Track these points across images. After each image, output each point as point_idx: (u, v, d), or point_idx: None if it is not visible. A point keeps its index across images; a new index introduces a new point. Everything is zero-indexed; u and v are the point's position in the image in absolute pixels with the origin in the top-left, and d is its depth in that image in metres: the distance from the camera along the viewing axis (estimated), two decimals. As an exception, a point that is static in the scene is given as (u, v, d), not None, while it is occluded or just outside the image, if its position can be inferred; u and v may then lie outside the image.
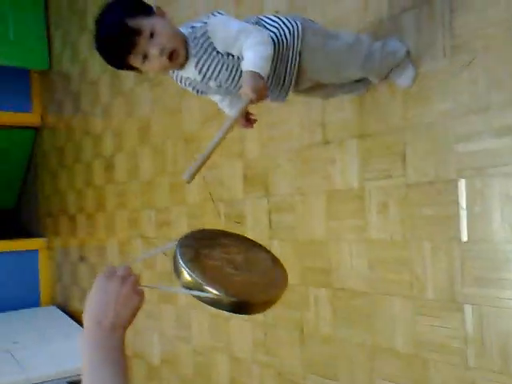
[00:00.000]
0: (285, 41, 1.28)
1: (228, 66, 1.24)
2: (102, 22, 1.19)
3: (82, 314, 0.85)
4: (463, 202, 1.42)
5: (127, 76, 3.12)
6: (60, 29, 4.17)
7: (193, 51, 1.22)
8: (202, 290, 0.84)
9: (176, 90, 2.65)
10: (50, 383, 2.94)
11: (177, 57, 1.21)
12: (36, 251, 4.52)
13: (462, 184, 1.42)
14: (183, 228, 2.64)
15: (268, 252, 1.09)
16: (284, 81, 1.35)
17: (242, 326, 2.26)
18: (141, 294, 0.87)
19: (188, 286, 0.86)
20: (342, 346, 1.79)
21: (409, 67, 1.52)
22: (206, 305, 0.86)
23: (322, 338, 1.86)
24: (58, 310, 4.20)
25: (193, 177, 1.07)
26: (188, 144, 2.58)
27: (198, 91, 1.35)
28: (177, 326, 2.74)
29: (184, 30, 1.23)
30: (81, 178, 3.87)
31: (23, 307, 4.25)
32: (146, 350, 3.03)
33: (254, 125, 1.35)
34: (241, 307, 0.87)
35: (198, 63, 1.23)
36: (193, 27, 1.22)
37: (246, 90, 1.14)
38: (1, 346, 3.32)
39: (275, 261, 1.06)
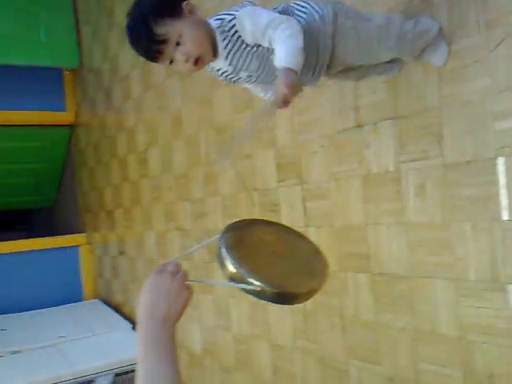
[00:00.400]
0: (315, 27, 1.27)
1: (258, 56, 1.24)
2: (130, 20, 1.20)
3: (136, 309, 0.90)
4: (503, 181, 1.39)
5: (157, 70, 3.15)
6: (89, 27, 4.23)
7: (222, 44, 1.22)
8: (246, 282, 0.86)
9: (206, 82, 2.66)
10: (97, 376, 3.01)
11: (202, 62, 1.22)
12: (77, 247, 4.63)
13: (501, 162, 1.38)
14: (218, 219, 2.66)
15: (309, 241, 1.09)
16: (316, 66, 1.33)
17: (282, 314, 2.27)
18: (189, 289, 0.91)
19: (232, 278, 0.88)
20: (383, 331, 1.78)
21: (442, 45, 1.48)
22: (246, 294, 0.88)
23: (363, 323, 1.86)
24: (102, 303, 4.30)
25: (226, 159, 1.08)
26: (220, 134, 2.59)
27: (230, 80, 1.35)
28: (216, 315, 2.77)
29: (213, 22, 1.23)
30: (117, 174, 3.94)
31: (67, 302, 4.36)
32: (188, 340, 3.08)
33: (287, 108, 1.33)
34: (284, 298, 0.89)
35: (227, 56, 1.24)
36: (221, 20, 1.21)
37: (281, 87, 1.12)
38: (47, 340, 3.42)
39: (316, 250, 1.06)
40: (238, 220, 1.05)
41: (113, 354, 3.20)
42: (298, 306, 2.16)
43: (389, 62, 1.58)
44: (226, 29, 1.20)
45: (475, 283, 1.48)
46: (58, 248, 4.55)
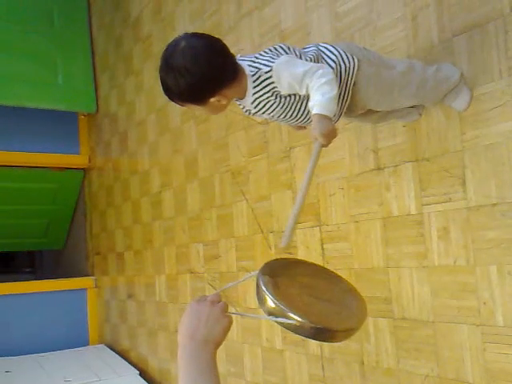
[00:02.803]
0: (340, 76, 1.30)
1: (284, 105, 1.28)
2: (161, 74, 1.21)
3: (177, 334, 0.92)
4: (529, 224, 1.38)
5: (174, 114, 3.20)
6: (106, 72, 4.34)
7: (252, 91, 1.25)
8: (286, 317, 0.86)
9: (222, 125, 2.70)
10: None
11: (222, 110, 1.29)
12: (84, 290, 4.58)
13: (528, 205, 1.38)
14: (232, 261, 2.65)
15: (345, 281, 1.09)
16: (339, 109, 1.36)
17: (298, 360, 2.21)
18: (229, 317, 0.93)
19: (271, 313, 0.88)
20: (406, 379, 1.73)
21: (464, 90, 1.50)
22: (283, 330, 0.87)
23: (384, 370, 1.81)
24: (107, 348, 4.22)
25: (289, 239, 1.11)
26: (235, 177, 2.61)
27: (249, 114, 1.38)
28: (229, 361, 2.71)
29: (246, 67, 1.24)
30: (128, 216, 3.94)
31: (72, 346, 4.27)
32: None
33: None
34: (322, 334, 0.89)
35: (255, 101, 1.28)
36: (257, 69, 1.22)
37: (317, 135, 1.16)
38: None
39: (353, 290, 1.06)
40: (275, 259, 1.07)
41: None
42: (314, 352, 2.11)
43: (411, 106, 1.60)
44: (262, 79, 1.23)
45: (503, 329, 1.44)
46: (65, 291, 4.51)
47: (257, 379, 2.49)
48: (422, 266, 1.66)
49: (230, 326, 0.92)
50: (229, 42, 1.38)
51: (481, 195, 1.49)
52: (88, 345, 4.47)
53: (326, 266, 2.04)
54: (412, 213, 1.68)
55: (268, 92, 1.25)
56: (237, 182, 2.60)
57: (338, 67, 1.30)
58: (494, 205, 1.45)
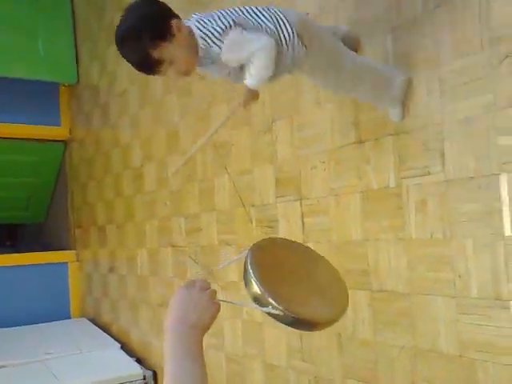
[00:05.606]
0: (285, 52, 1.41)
1: (230, 72, 1.45)
2: (124, 31, 1.31)
3: (164, 321, 0.92)
4: (505, 196, 1.39)
5: (156, 86, 3.15)
6: (88, 43, 4.25)
7: (203, 61, 1.40)
8: (269, 304, 0.89)
9: (205, 98, 2.66)
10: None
11: (189, 74, 1.42)
12: (66, 263, 4.56)
13: (504, 178, 1.39)
14: (213, 235, 2.64)
15: (331, 266, 1.13)
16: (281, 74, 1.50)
17: (277, 333, 2.23)
18: (217, 305, 0.94)
19: (256, 298, 0.91)
20: (382, 350, 1.75)
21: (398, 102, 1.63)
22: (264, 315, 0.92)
23: (361, 341, 1.83)
24: (89, 321, 4.22)
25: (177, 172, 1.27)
26: (217, 150, 2.58)
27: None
28: (209, 334, 2.71)
29: (199, 39, 1.34)
30: (110, 190, 3.91)
31: (54, 319, 4.27)
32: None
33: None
34: (304, 324, 0.92)
35: (206, 67, 1.45)
36: (208, 44, 1.34)
37: (240, 101, 1.43)
38: (35, 357, 3.33)
39: (338, 277, 1.10)
40: (264, 239, 1.09)
41: (100, 372, 3.12)
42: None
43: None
44: (212, 54, 1.36)
45: (477, 300, 1.46)
46: (46, 264, 4.48)
47: (236, 351, 2.52)
48: (399, 238, 1.67)
49: (217, 313, 0.94)
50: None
51: (458, 168, 1.49)
52: (70, 318, 4.47)
53: (305, 239, 2.04)
54: (391, 186, 1.68)
55: (218, 65, 1.40)
56: (219, 156, 2.58)
57: (286, 47, 1.40)
58: (471, 178, 1.45)
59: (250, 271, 0.92)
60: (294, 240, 1.19)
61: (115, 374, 3.12)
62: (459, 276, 1.50)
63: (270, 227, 2.24)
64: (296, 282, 1.00)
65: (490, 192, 1.42)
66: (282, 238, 1.20)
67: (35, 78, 4.15)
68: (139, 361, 3.37)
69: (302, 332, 2.08)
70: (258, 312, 2.33)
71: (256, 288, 0.90)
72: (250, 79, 1.38)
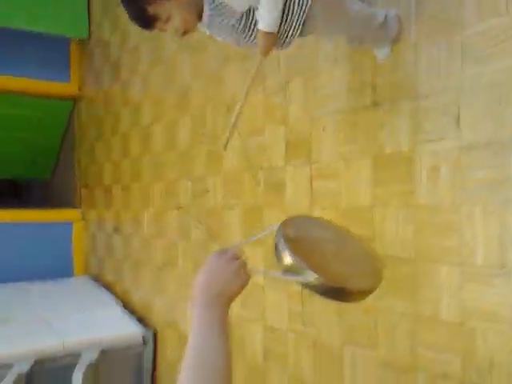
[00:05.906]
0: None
1: (232, 32, 1.40)
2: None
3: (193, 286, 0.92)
4: (520, 164, 1.36)
5: (168, 43, 3.10)
6: (100, -3, 4.18)
7: (208, 14, 1.35)
8: (303, 274, 0.86)
9: (218, 58, 2.62)
10: (84, 350, 2.96)
11: (187, 33, 1.39)
12: (71, 222, 4.58)
13: (520, 145, 1.36)
14: (219, 197, 2.63)
15: (363, 242, 1.12)
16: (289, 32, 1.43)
17: (278, 297, 2.23)
18: (248, 274, 0.94)
19: (289, 270, 0.89)
20: (382, 316, 1.75)
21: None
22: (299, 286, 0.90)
23: (361, 307, 1.83)
24: (91, 280, 4.26)
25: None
26: (230, 111, 2.55)
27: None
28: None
29: None
30: (118, 150, 3.89)
31: (57, 277, 4.31)
32: (179, 321, 3.05)
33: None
34: (339, 294, 0.89)
35: (209, 26, 1.40)
36: None
37: (259, 51, 1.38)
38: (37, 314, 3.37)
39: (372, 252, 1.08)
40: (296, 215, 1.11)
41: (102, 330, 3.15)
42: (294, 290, 2.12)
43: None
44: (219, 7, 1.32)
45: (482, 268, 1.45)
46: (51, 222, 4.50)
47: (237, 314, 2.53)
48: (407, 204, 1.65)
49: (246, 283, 0.93)
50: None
51: (474, 134, 1.46)
52: (73, 276, 4.51)
53: (313, 204, 2.02)
54: (404, 151, 1.65)
55: (223, 15, 1.35)
56: (230, 116, 2.55)
57: None
58: (488, 144, 1.42)
59: (281, 242, 0.91)
60: (325, 219, 1.20)
61: (116, 332, 3.14)
62: (465, 244, 1.48)
63: (278, 190, 2.22)
64: (329, 255, 0.99)
65: (504, 158, 1.39)
66: (316, 217, 1.20)
67: (46, 31, 4.10)
68: (140, 320, 3.39)
69: (304, 296, 2.08)
70: (260, 276, 2.33)
71: (288, 258, 0.88)
72: (262, 21, 1.34)
